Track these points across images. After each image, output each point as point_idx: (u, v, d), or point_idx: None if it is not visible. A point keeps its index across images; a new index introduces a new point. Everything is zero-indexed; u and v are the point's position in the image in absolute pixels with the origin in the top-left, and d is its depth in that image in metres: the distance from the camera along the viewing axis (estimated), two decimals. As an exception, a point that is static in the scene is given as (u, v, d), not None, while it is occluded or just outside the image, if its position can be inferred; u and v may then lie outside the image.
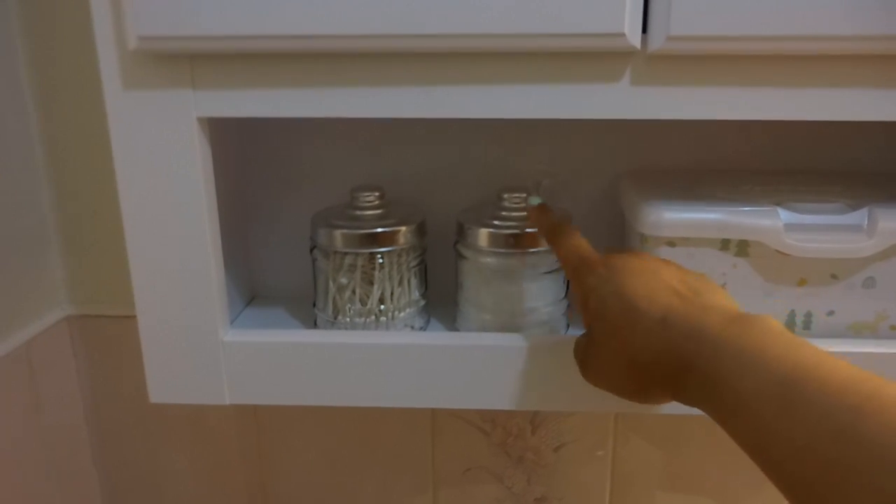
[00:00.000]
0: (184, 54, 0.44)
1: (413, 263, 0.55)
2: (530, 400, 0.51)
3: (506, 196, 0.54)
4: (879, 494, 0.28)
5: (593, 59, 0.43)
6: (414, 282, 0.56)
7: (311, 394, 0.52)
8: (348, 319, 0.55)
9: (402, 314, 0.55)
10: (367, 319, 0.55)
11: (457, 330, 0.58)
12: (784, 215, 0.48)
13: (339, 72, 0.44)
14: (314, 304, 0.57)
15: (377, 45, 0.42)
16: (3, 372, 0.62)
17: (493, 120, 0.44)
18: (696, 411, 0.37)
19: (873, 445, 0.28)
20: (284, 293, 0.64)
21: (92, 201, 0.67)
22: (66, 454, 0.71)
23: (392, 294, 0.55)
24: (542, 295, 0.55)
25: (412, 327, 0.57)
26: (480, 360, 0.50)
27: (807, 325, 0.50)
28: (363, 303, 0.55)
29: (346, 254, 0.54)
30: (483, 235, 0.53)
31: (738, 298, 0.41)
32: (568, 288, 0.56)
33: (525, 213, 0.54)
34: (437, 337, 0.53)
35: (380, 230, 0.53)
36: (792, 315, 0.50)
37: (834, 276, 0.49)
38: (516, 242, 0.53)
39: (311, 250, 0.56)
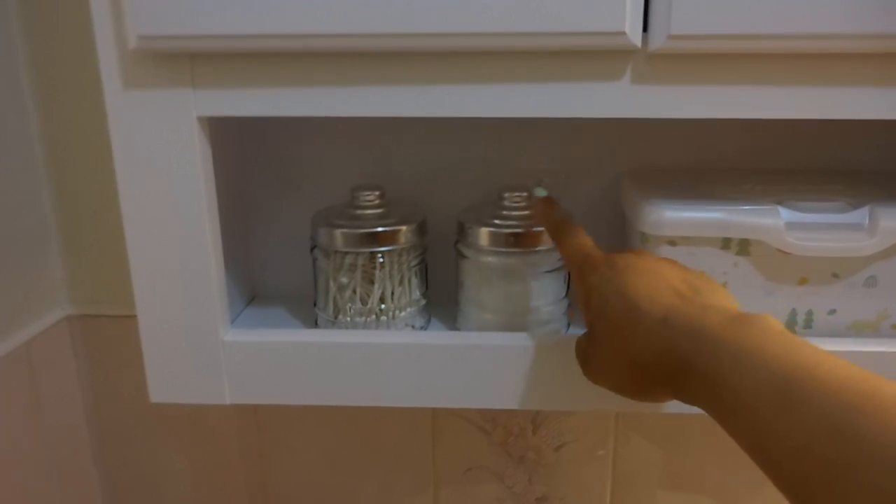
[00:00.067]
0: (184, 54, 0.44)
1: (414, 263, 0.55)
2: (531, 399, 0.51)
3: (506, 195, 0.54)
4: (877, 493, 0.28)
5: (594, 58, 0.42)
6: (415, 281, 0.56)
7: (312, 393, 0.52)
8: (349, 319, 0.55)
9: (402, 314, 0.55)
10: (368, 319, 0.55)
11: (457, 329, 0.57)
12: (785, 214, 0.48)
13: (340, 71, 0.44)
14: (315, 304, 0.57)
15: (377, 45, 0.42)
16: (3, 372, 0.62)
17: (493, 119, 0.44)
18: (696, 410, 0.37)
19: (870, 444, 0.28)
20: (285, 293, 0.64)
21: (92, 201, 0.67)
22: (66, 454, 0.71)
23: (393, 293, 0.55)
24: (542, 294, 0.55)
25: (413, 327, 0.57)
26: (481, 359, 0.50)
27: (808, 324, 0.50)
28: (364, 302, 0.55)
29: (346, 253, 0.54)
30: (484, 235, 0.53)
31: (739, 297, 0.41)
32: (569, 287, 0.56)
33: (526, 213, 0.54)
34: (438, 336, 0.53)
35: (380, 229, 0.53)
36: (793, 314, 0.50)
37: (835, 275, 0.49)
38: (517, 242, 0.53)
39: (312, 250, 0.56)
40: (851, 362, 0.32)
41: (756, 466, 0.33)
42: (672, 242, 0.49)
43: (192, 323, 0.49)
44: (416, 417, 0.71)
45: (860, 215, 0.48)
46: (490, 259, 0.54)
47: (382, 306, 0.55)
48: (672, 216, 0.48)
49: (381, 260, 0.54)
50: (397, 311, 0.55)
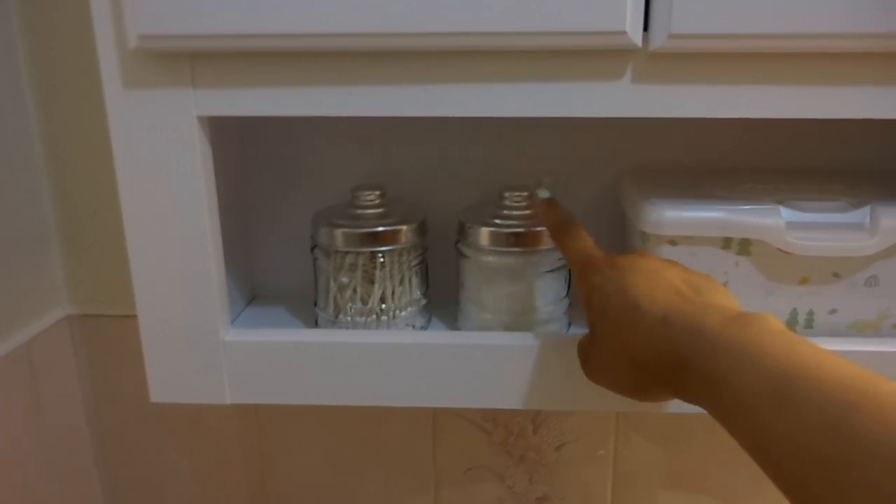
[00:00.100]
0: (184, 53, 0.44)
1: (414, 262, 0.55)
2: (532, 399, 0.51)
3: (507, 195, 0.54)
4: (874, 490, 0.28)
5: (594, 58, 0.42)
6: (415, 281, 0.56)
7: (313, 393, 0.51)
8: (349, 319, 0.55)
9: (403, 313, 0.55)
10: (368, 319, 0.55)
11: (458, 329, 0.57)
12: (786, 214, 0.48)
13: (340, 70, 0.44)
14: (315, 304, 0.57)
15: (378, 44, 0.42)
16: (4, 372, 0.62)
17: (493, 118, 0.44)
18: (697, 410, 0.37)
19: (867, 441, 0.28)
20: (285, 292, 0.64)
21: (92, 201, 0.67)
22: (66, 454, 0.71)
23: (393, 293, 0.55)
24: (543, 294, 0.55)
25: (413, 326, 0.57)
26: (482, 359, 0.50)
27: (809, 323, 0.50)
28: (364, 302, 0.55)
29: (347, 253, 0.54)
30: (484, 234, 0.53)
31: (740, 297, 0.41)
32: (569, 287, 0.56)
33: (527, 212, 0.54)
34: (439, 336, 0.53)
35: (381, 229, 0.53)
36: (794, 313, 0.50)
37: (836, 275, 0.49)
38: (517, 241, 0.53)
39: (312, 249, 0.56)
40: (852, 362, 0.32)
41: (756, 466, 0.33)
42: (673, 242, 0.49)
43: (193, 323, 0.49)
44: (417, 417, 0.71)
45: (861, 215, 0.48)
46: (491, 259, 0.54)
47: (383, 306, 0.55)
48: (672, 216, 0.48)
49: (381, 259, 0.54)
50: (398, 311, 0.55)
